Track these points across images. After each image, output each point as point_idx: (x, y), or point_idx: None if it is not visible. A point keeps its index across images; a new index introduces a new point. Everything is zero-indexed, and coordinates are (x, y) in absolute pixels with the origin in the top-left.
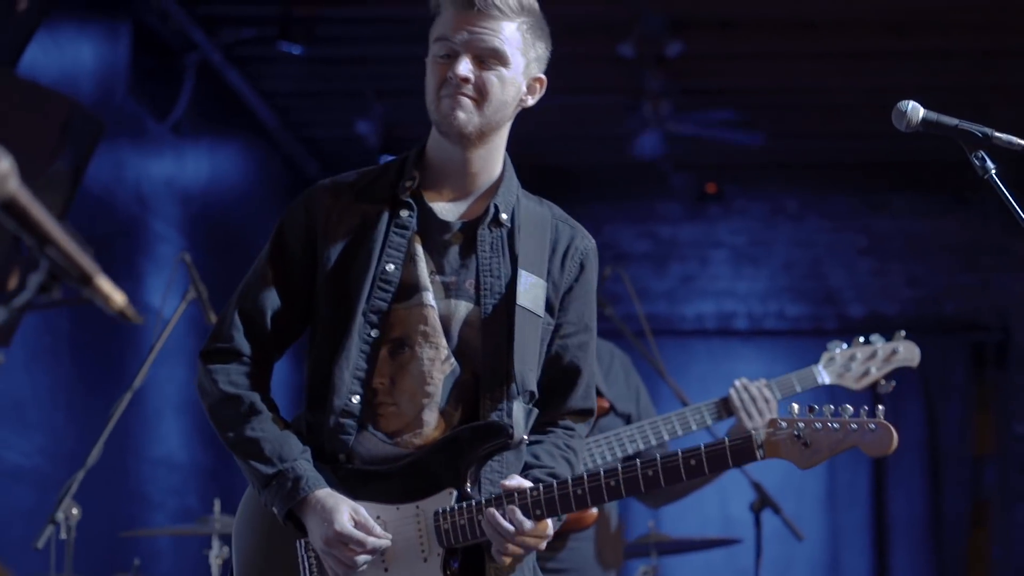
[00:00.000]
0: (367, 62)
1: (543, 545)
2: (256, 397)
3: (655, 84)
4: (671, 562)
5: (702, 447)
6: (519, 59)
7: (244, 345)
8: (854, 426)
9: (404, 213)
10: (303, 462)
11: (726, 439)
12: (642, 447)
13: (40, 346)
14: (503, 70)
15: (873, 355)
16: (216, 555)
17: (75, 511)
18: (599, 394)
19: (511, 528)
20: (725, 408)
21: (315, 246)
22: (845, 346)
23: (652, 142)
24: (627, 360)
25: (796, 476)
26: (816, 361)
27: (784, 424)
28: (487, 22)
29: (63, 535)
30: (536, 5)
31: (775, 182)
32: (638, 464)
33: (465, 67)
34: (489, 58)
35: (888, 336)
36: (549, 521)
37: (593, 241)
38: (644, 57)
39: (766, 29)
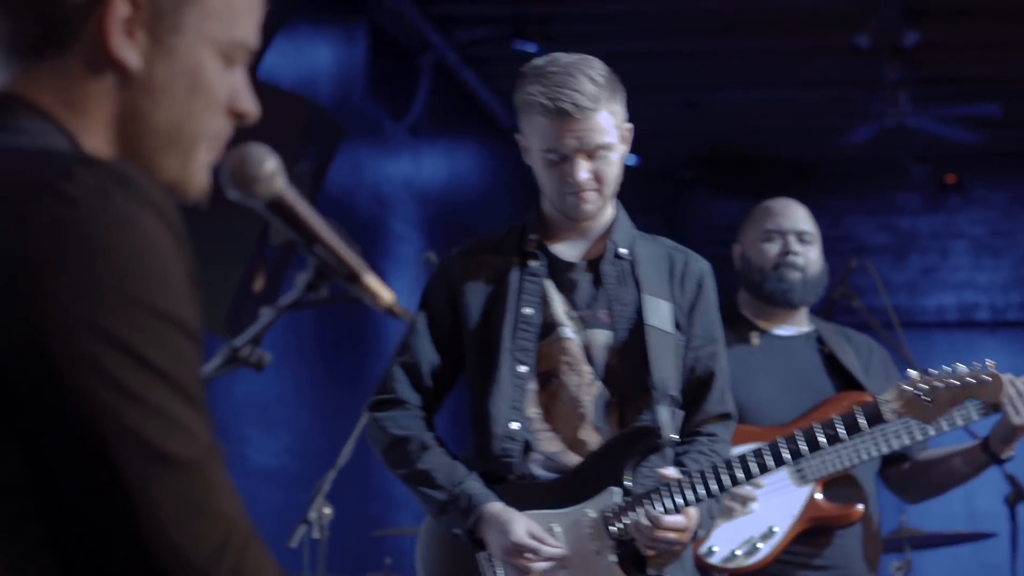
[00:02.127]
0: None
1: (686, 538)
2: (423, 435)
3: (892, 75)
4: (921, 557)
5: (836, 417)
6: (616, 135)
7: (407, 395)
8: (969, 379)
9: (533, 263)
10: (472, 482)
11: (856, 409)
12: (907, 442)
13: (287, 346)
14: (610, 155)
15: None
16: None
17: (327, 510)
18: (860, 387)
19: (648, 523)
20: (993, 405)
21: (457, 304)
22: None
23: (895, 134)
24: (885, 354)
25: None
26: None
27: (907, 386)
28: (587, 123)
29: (316, 534)
30: (604, 69)
31: (1015, 171)
32: (779, 442)
33: (583, 172)
34: (597, 151)
35: None
36: (693, 512)
37: (707, 262)
38: (880, 48)
39: (1003, 16)
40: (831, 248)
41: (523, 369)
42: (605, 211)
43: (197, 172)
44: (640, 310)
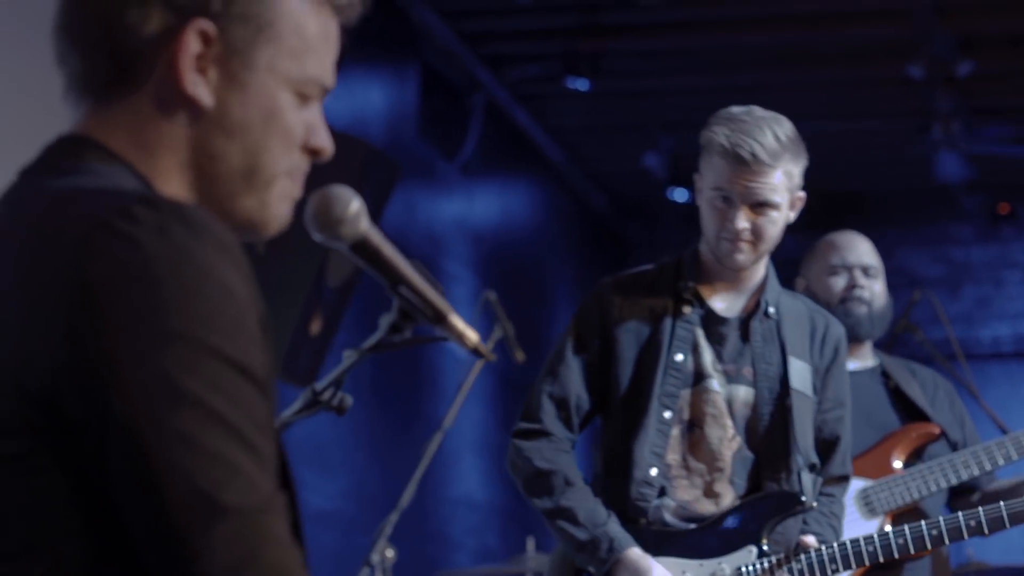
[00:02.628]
0: (653, 95)
1: None
2: (568, 470)
3: (945, 105)
4: None
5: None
6: (786, 198)
7: (553, 426)
8: None
9: (687, 309)
10: (614, 525)
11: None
12: (976, 472)
13: (342, 388)
14: (774, 213)
15: None
16: None
17: (390, 553)
18: (927, 419)
19: None
20: None
21: (610, 341)
22: None
23: (949, 165)
24: (950, 387)
25: None
26: None
27: None
28: (760, 177)
29: None
30: (793, 132)
31: None
32: (939, 522)
33: (743, 221)
34: (763, 206)
35: None
36: None
37: (843, 328)
38: (934, 78)
39: None
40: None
41: (668, 415)
42: (759, 267)
43: (276, 208)
44: (784, 371)
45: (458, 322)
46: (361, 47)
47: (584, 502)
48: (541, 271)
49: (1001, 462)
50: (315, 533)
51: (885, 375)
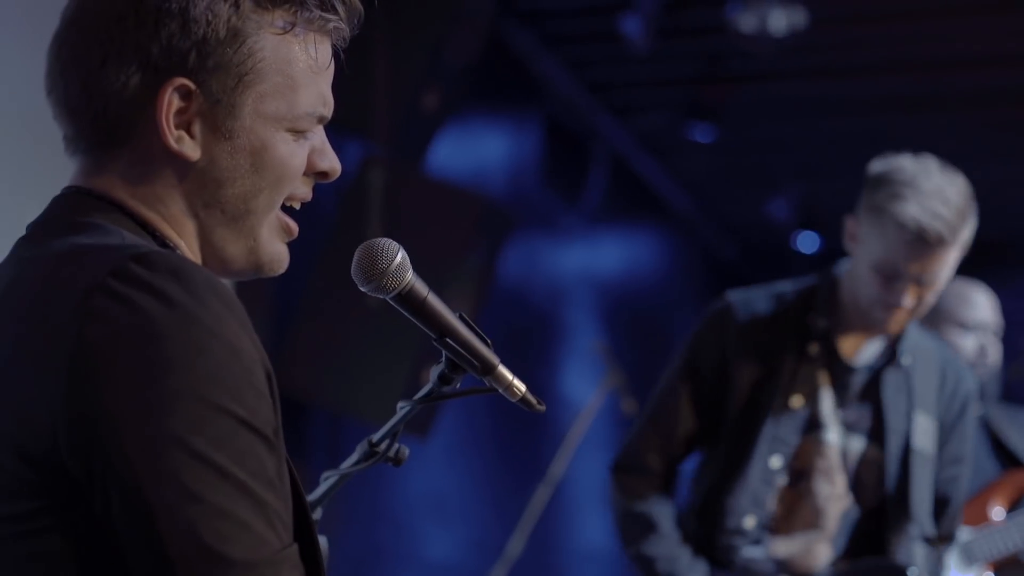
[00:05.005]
0: (779, 142)
1: None
2: (657, 514)
3: None
4: None
5: None
6: (953, 267)
7: (653, 460)
8: None
9: (814, 349)
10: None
11: None
12: None
13: (460, 439)
14: (940, 284)
15: None
16: None
17: None
18: None
19: None
20: None
21: (726, 369)
22: None
23: None
24: None
25: None
26: None
27: None
28: (938, 256)
29: None
30: (967, 191)
31: None
32: None
33: (909, 299)
34: (932, 284)
35: None
36: None
37: (976, 382)
38: None
39: None
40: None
41: (776, 463)
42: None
43: (270, 248)
44: (909, 428)
45: (506, 373)
46: (483, 97)
47: (664, 552)
48: (665, 321)
49: None
50: None
51: (986, 424)
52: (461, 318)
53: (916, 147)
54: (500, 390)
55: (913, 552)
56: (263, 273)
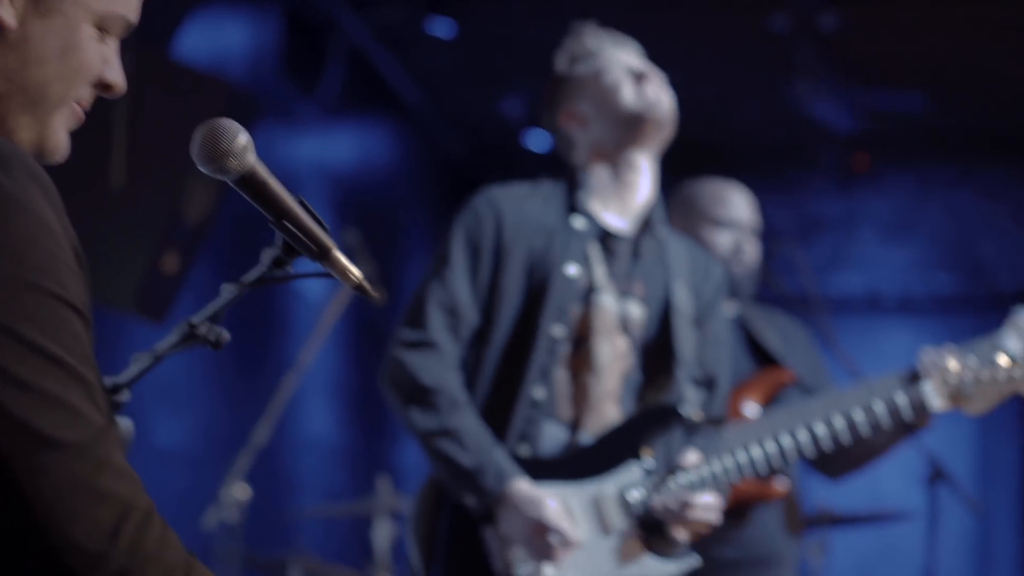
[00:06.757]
0: (514, 40)
1: (713, 518)
2: (456, 390)
3: (808, 58)
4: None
5: (876, 406)
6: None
7: (441, 337)
8: (1016, 373)
9: (579, 223)
10: (500, 453)
11: (898, 396)
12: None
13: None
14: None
15: None
16: (381, 533)
17: (243, 491)
18: (781, 366)
19: (677, 507)
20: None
21: (503, 252)
22: None
23: (809, 117)
24: (807, 334)
25: (945, 451)
26: (993, 331)
27: (951, 379)
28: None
29: (229, 515)
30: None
31: (926, 155)
32: (810, 429)
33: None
34: None
35: None
36: (717, 498)
37: (722, 267)
38: (797, 30)
39: (923, 1)
40: None
41: (558, 331)
42: (652, 189)
43: (56, 135)
44: (669, 290)
45: (342, 258)
46: None
47: (472, 426)
48: (397, 216)
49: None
50: (165, 472)
51: (742, 323)
52: (300, 202)
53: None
54: (335, 275)
55: (685, 393)
56: (43, 160)
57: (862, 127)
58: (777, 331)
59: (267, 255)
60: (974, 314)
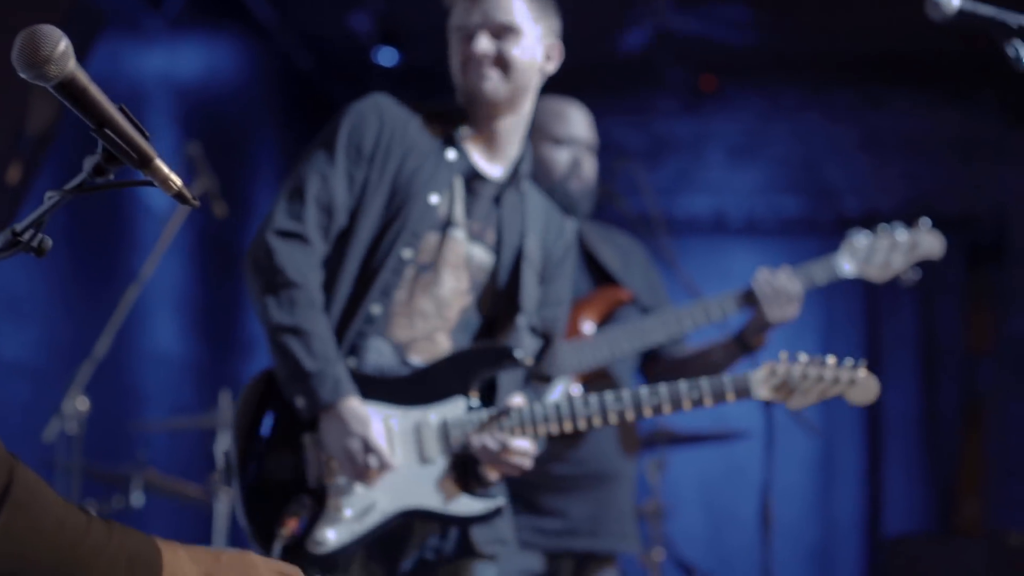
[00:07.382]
0: None
1: (527, 464)
2: (315, 291)
3: None
4: (673, 455)
5: (703, 382)
6: (532, 29)
7: (313, 234)
8: (844, 377)
9: (452, 155)
10: (342, 367)
11: (725, 378)
12: (663, 339)
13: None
14: (517, 37)
15: (895, 246)
16: (224, 448)
17: (83, 403)
18: (619, 284)
19: (495, 448)
20: (748, 299)
21: (377, 155)
22: (867, 236)
23: (654, 37)
24: (646, 254)
25: None
26: (829, 253)
27: (779, 371)
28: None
29: (70, 428)
30: None
31: (773, 77)
32: (640, 393)
33: (482, 45)
34: (499, 27)
35: (911, 226)
36: (533, 444)
37: (577, 225)
38: None
39: None
40: None
41: (408, 254)
42: (519, 135)
43: None
44: (521, 242)
45: (163, 166)
46: None
47: (323, 331)
48: (244, 131)
49: (689, 328)
50: (5, 383)
51: (580, 241)
52: (121, 109)
53: None
54: (156, 183)
55: (521, 339)
56: None
57: (706, 47)
58: (616, 250)
59: (88, 162)
60: (819, 237)
